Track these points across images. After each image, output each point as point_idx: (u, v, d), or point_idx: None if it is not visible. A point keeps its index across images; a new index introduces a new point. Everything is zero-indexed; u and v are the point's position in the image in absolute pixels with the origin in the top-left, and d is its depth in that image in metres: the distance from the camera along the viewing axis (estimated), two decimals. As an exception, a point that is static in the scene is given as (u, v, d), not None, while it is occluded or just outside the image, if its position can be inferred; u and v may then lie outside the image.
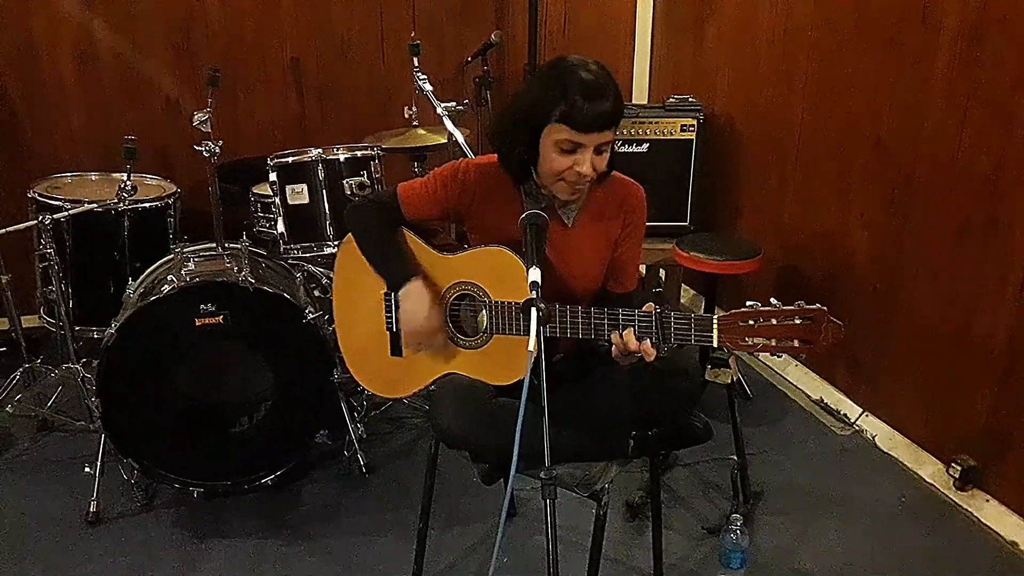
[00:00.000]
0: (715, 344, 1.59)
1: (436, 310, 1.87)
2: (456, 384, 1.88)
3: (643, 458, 2.03)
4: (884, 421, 2.90)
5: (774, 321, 1.55)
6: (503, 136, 1.78)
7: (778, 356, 1.59)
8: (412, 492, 2.54)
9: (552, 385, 1.46)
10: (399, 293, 1.87)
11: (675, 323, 1.61)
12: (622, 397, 1.84)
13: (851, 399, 3.04)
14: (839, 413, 3.05)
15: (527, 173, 1.78)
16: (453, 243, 1.99)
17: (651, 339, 1.61)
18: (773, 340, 1.55)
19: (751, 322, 1.56)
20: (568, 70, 1.66)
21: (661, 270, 3.78)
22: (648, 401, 1.84)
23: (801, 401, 3.18)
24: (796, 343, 1.55)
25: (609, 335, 1.64)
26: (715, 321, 1.58)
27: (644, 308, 1.64)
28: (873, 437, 2.90)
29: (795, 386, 3.27)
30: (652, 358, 1.62)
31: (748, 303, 1.56)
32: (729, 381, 2.48)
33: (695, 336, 1.60)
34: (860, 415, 2.98)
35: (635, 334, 1.61)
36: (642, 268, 3.85)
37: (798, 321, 1.54)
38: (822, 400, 3.14)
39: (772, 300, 1.56)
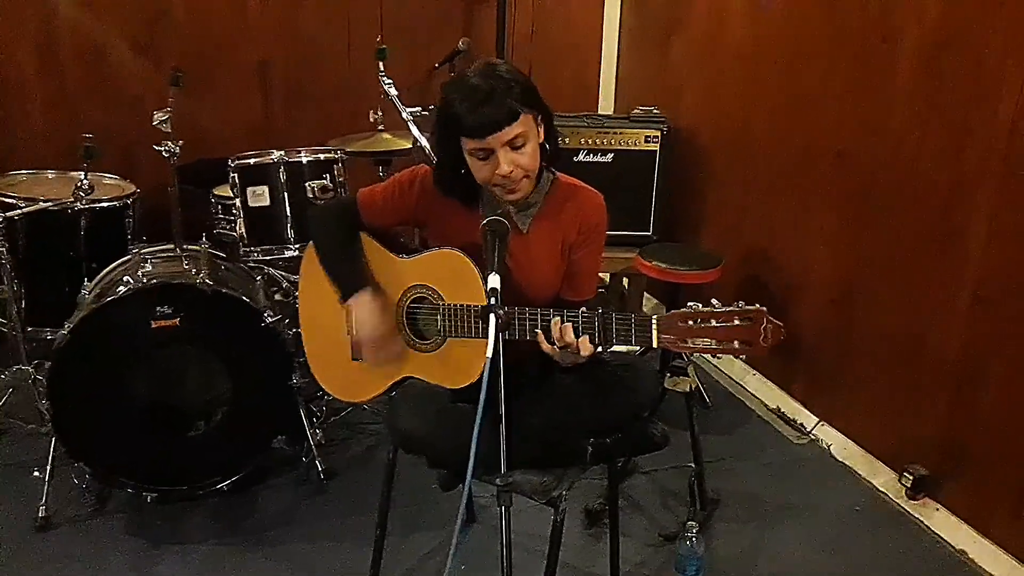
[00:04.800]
0: (655, 345, 1.59)
1: (388, 317, 1.86)
2: (415, 389, 1.87)
3: (601, 465, 2.02)
4: (839, 431, 2.93)
5: (714, 322, 1.55)
6: (440, 161, 1.81)
7: (717, 357, 1.60)
8: (370, 498, 2.50)
9: (510, 391, 1.46)
10: (349, 303, 1.86)
11: (616, 323, 1.61)
12: (580, 404, 1.84)
13: (808, 409, 3.08)
14: (796, 422, 3.08)
15: (472, 191, 1.80)
16: (415, 247, 1.98)
17: (589, 335, 1.62)
18: (713, 341, 1.56)
19: (691, 323, 1.56)
20: (456, 82, 1.70)
21: (624, 278, 3.79)
22: (606, 408, 1.84)
23: (759, 410, 3.21)
24: (736, 344, 1.55)
25: (548, 330, 1.64)
26: (654, 322, 1.58)
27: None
28: (828, 446, 2.93)
29: (753, 395, 3.30)
30: (588, 352, 1.62)
31: (689, 304, 1.56)
32: (688, 389, 2.50)
33: (635, 337, 1.61)
34: (816, 424, 3.02)
35: (574, 329, 1.62)
36: (606, 276, 3.87)
37: (737, 322, 1.54)
38: (779, 409, 3.17)
39: (713, 301, 1.57)
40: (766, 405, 3.23)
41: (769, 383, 3.28)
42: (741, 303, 1.56)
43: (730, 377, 3.42)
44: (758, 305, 1.55)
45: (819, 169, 2.92)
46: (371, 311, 1.84)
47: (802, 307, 3.04)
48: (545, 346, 1.66)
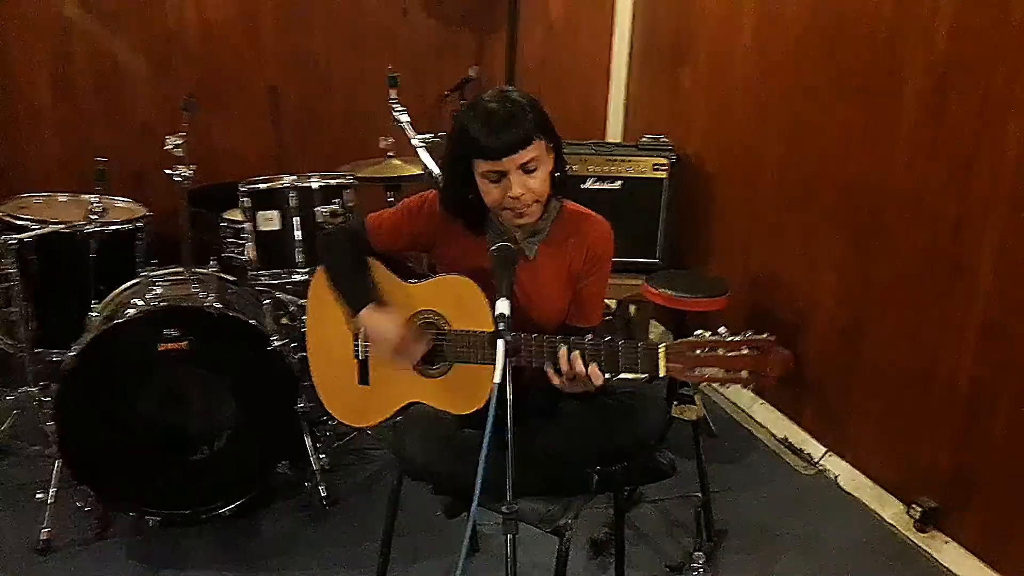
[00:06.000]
0: (662, 374, 1.57)
1: (404, 323, 1.83)
2: (421, 415, 1.86)
3: (607, 494, 2.00)
4: (847, 461, 2.90)
5: (721, 351, 1.53)
6: (448, 184, 1.81)
7: (726, 387, 1.58)
8: (373, 525, 2.47)
9: (517, 418, 1.44)
10: (358, 319, 1.86)
11: (623, 351, 1.60)
12: (587, 432, 1.82)
13: (815, 439, 3.04)
14: (803, 452, 3.05)
15: (479, 216, 1.81)
16: (423, 272, 1.98)
17: (596, 364, 1.60)
18: (721, 370, 1.54)
19: (698, 351, 1.54)
20: (472, 106, 1.73)
21: (631, 305, 3.78)
22: (613, 436, 1.82)
23: (766, 440, 3.18)
24: (745, 374, 1.53)
25: (556, 359, 1.63)
26: (662, 351, 1.56)
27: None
28: (836, 477, 2.90)
29: (760, 424, 3.27)
30: (600, 382, 1.61)
31: (696, 332, 1.55)
32: (695, 418, 2.47)
33: (642, 365, 1.59)
34: (824, 455, 2.98)
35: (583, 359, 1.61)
36: (612, 303, 3.85)
37: (746, 351, 1.53)
38: (787, 439, 3.14)
39: (721, 329, 1.55)
40: (773, 435, 3.19)
41: (776, 412, 3.25)
42: (750, 332, 1.54)
43: (737, 406, 3.39)
44: (767, 334, 1.54)
45: (826, 199, 2.91)
46: (383, 318, 1.83)
47: (810, 336, 3.02)
48: (556, 380, 1.65)
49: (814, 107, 2.95)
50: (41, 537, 2.35)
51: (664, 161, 3.42)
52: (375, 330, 1.84)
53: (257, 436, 2.45)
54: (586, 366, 1.61)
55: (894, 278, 2.65)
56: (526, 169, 1.68)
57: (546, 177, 1.73)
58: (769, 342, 1.53)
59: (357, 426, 2.53)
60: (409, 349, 1.83)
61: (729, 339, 1.53)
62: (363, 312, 1.84)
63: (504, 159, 1.66)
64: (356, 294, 1.88)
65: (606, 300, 2.50)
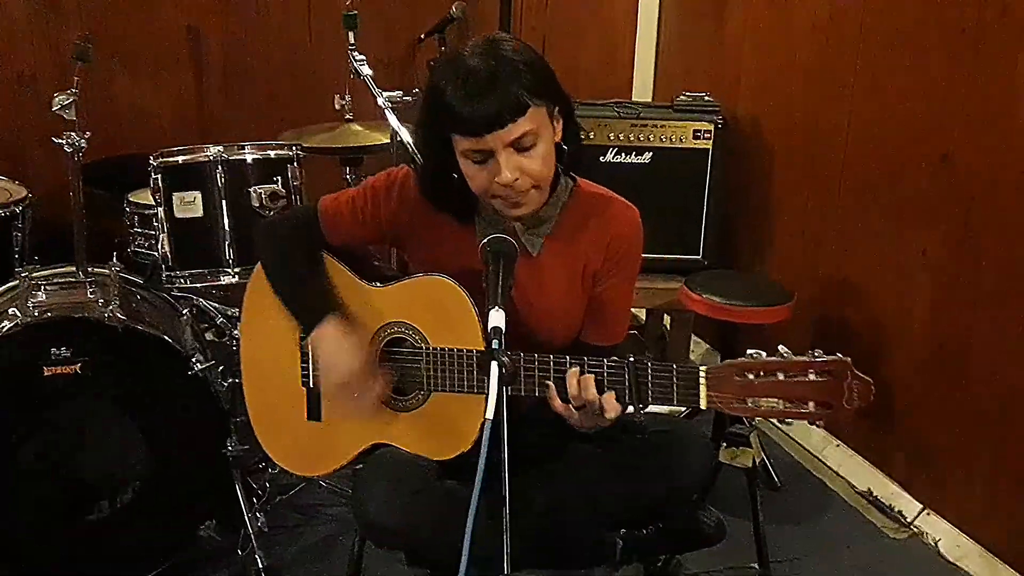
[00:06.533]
0: (703, 405, 1.59)
1: (365, 351, 1.86)
2: (389, 461, 1.87)
3: (635, 565, 2.01)
4: (951, 522, 2.91)
5: (781, 376, 1.55)
6: (425, 162, 1.84)
7: (786, 423, 1.59)
8: (328, 605, 2.51)
9: (515, 465, 1.45)
10: (312, 335, 1.87)
11: (652, 376, 1.61)
12: (606, 482, 1.84)
13: (909, 492, 3.06)
14: (893, 510, 3.07)
15: (466, 203, 1.83)
16: (393, 272, 1.99)
17: (617, 392, 1.62)
18: (780, 402, 1.55)
19: (750, 376, 1.56)
20: (450, 62, 1.74)
21: (665, 316, 3.80)
22: (640, 489, 1.84)
23: (843, 493, 3.19)
24: (811, 406, 1.55)
25: (563, 381, 1.64)
26: (703, 376, 1.57)
27: None
28: (936, 542, 2.91)
29: (836, 473, 3.28)
30: (615, 415, 1.62)
31: (749, 352, 1.56)
32: (750, 464, 2.48)
33: (677, 394, 1.61)
34: (920, 513, 3.00)
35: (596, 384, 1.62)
36: (641, 313, 3.87)
37: (813, 377, 1.54)
38: (871, 492, 3.15)
39: (781, 348, 1.56)
40: (853, 487, 3.21)
41: (857, 457, 3.26)
42: (818, 352, 1.55)
43: (805, 449, 3.41)
44: (840, 355, 1.55)
45: (920, 177, 2.93)
46: (341, 341, 1.84)
47: (900, 357, 3.03)
48: (558, 405, 1.66)
49: (901, 57, 2.96)
50: None
51: (708, 126, 3.44)
52: (328, 357, 1.85)
53: (174, 488, 2.46)
54: (601, 393, 1.62)
55: (1008, 282, 2.67)
56: (519, 147, 1.69)
57: (549, 153, 1.73)
58: (843, 364, 1.54)
59: (305, 475, 2.54)
60: (367, 387, 1.84)
61: (791, 360, 1.55)
62: (318, 330, 1.85)
63: (487, 135, 1.66)
64: (308, 304, 1.89)
65: (632, 310, 2.51)
